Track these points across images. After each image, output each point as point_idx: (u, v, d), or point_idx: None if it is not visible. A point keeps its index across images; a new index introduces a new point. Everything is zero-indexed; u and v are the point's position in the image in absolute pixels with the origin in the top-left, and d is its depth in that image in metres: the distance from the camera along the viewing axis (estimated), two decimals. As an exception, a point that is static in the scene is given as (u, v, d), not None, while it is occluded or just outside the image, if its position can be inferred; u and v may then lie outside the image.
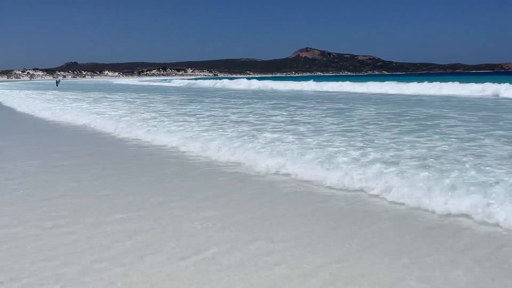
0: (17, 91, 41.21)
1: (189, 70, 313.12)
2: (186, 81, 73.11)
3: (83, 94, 31.60)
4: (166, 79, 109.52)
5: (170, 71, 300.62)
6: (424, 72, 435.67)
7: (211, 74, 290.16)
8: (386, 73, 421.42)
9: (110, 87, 53.25)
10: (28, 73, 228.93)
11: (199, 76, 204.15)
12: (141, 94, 30.64)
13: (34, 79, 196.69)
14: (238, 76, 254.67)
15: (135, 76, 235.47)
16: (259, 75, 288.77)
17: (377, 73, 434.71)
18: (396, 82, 30.64)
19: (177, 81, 78.68)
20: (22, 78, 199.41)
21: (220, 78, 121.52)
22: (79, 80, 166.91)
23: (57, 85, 59.98)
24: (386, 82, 30.87)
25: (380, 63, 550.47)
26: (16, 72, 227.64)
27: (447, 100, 19.13)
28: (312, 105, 16.89)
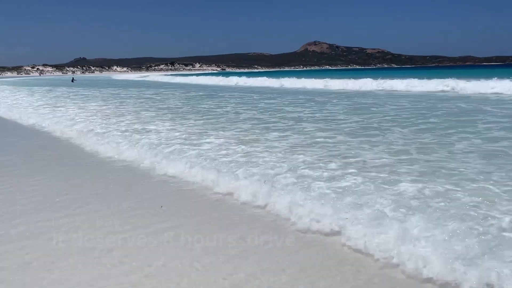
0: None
1: (197, 65, 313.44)
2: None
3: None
4: (148, 75, 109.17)
5: (178, 66, 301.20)
6: (434, 65, 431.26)
7: (218, 69, 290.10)
8: (395, 66, 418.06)
9: (124, 84, 53.66)
10: (37, 69, 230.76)
11: (187, 72, 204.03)
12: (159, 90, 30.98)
13: (44, 74, 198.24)
14: (246, 71, 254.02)
15: (143, 71, 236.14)
16: (267, 70, 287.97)
17: (386, 66, 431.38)
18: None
19: (157, 77, 77.61)
20: (31, 74, 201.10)
21: (228, 73, 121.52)
22: (87, 75, 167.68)
23: (72, 81, 62.52)
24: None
25: (389, 56, 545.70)
26: (26, 68, 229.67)
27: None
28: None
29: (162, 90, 31.63)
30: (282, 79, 35.08)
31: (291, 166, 5.87)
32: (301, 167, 5.79)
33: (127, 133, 9.39)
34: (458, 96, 18.53)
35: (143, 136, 8.89)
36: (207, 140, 8.15)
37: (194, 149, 7.31)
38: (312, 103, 16.46)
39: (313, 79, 32.87)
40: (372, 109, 13.58)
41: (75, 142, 9.23)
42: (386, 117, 11.23)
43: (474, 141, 7.44)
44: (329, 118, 11.45)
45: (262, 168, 5.78)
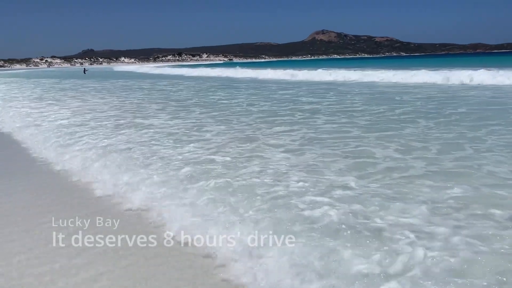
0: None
1: (204, 55, 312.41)
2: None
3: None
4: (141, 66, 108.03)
5: (185, 56, 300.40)
6: (444, 53, 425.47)
7: (225, 59, 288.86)
8: (404, 54, 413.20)
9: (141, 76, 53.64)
10: (46, 61, 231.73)
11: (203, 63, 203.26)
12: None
13: (52, 66, 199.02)
14: (253, 61, 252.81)
15: (150, 62, 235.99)
16: (274, 59, 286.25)
17: (395, 54, 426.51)
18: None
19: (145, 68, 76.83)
20: (40, 66, 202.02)
21: (235, 64, 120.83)
22: (95, 66, 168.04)
23: (84, 73, 63.36)
24: None
25: (398, 44, 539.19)
26: (35, 60, 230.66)
27: None
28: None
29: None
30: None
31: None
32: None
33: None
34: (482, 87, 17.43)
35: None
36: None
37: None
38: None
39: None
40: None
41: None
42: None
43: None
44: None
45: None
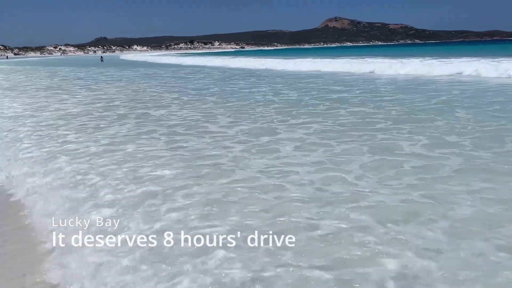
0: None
1: (216, 43, 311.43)
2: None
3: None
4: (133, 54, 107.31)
5: (197, 44, 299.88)
6: (459, 40, 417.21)
7: (237, 47, 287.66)
8: (419, 42, 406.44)
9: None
10: (60, 49, 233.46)
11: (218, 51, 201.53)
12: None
13: (66, 54, 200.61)
14: (265, 48, 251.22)
15: (163, 50, 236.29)
16: (286, 47, 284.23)
17: (409, 42, 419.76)
18: None
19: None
20: (54, 54, 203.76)
21: (248, 52, 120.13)
22: (107, 54, 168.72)
23: (102, 61, 65.19)
24: None
25: (413, 31, 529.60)
26: (49, 48, 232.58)
27: None
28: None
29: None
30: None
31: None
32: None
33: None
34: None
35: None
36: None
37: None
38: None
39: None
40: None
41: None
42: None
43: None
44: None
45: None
